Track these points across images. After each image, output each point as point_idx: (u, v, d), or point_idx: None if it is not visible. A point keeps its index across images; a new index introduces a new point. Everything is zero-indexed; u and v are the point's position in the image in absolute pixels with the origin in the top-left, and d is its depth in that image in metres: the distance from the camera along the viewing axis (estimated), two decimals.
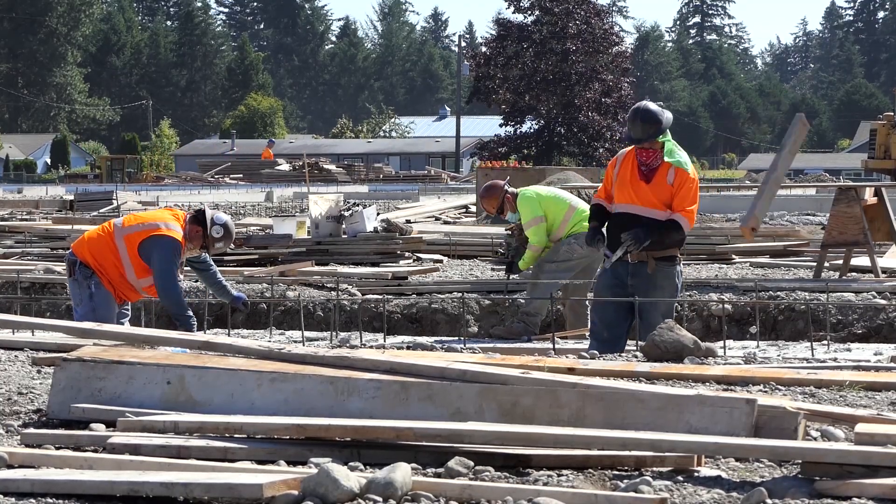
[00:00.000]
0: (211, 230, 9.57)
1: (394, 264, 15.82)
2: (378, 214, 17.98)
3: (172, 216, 9.48)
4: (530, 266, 11.72)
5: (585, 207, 11.45)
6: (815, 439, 5.31)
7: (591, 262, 11.45)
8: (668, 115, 9.27)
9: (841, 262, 14.37)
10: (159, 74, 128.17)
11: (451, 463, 4.84)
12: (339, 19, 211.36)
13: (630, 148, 9.37)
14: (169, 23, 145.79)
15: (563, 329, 11.44)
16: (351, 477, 4.44)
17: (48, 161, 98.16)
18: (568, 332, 11.19)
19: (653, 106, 9.29)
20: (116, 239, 9.32)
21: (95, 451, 5.27)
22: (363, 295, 13.53)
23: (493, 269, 15.79)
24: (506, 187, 11.72)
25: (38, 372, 7.31)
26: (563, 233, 11.41)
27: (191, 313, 9.39)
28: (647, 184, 9.19)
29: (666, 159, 9.19)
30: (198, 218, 9.59)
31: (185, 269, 10.05)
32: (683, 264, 14.87)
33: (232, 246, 11.41)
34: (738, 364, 7.41)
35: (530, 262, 11.62)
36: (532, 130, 76.43)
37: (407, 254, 16.51)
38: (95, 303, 9.25)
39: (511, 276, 12.11)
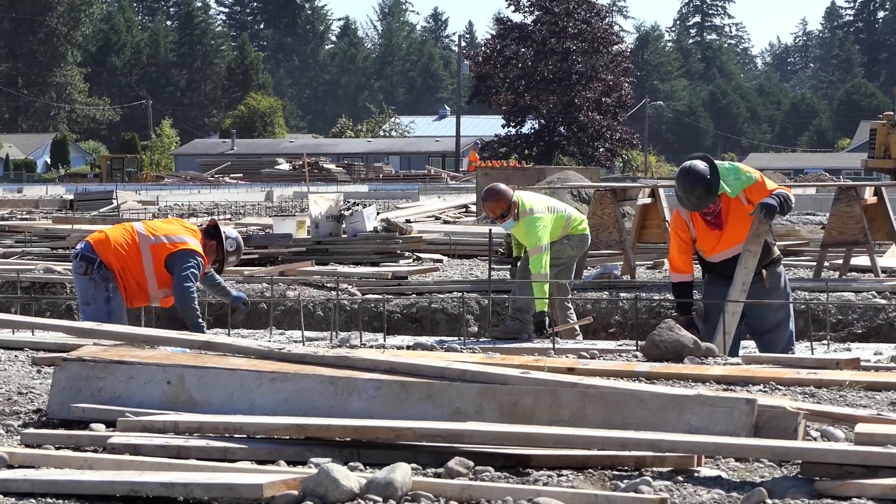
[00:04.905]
0: (225, 244, 9.66)
1: (394, 264, 15.81)
2: (378, 214, 17.99)
3: (190, 232, 9.52)
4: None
5: (580, 215, 11.59)
6: (815, 439, 5.31)
7: (572, 263, 11.59)
8: (721, 168, 8.67)
9: (841, 261, 14.37)
10: (159, 74, 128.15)
11: (451, 463, 4.83)
12: (339, 19, 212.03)
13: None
14: (169, 23, 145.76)
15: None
16: (351, 477, 4.44)
17: (48, 161, 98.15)
18: (560, 327, 11.19)
19: (700, 167, 8.59)
20: (142, 248, 9.33)
21: (95, 451, 5.26)
22: (363, 295, 13.52)
23: (493, 269, 15.76)
24: (513, 197, 11.69)
25: (38, 372, 7.31)
26: (558, 237, 11.47)
27: (203, 323, 9.47)
28: (720, 230, 8.80)
29: (724, 194, 8.66)
30: (211, 233, 9.71)
31: None
32: None
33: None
34: (738, 364, 7.40)
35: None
36: (532, 130, 76.45)
37: (407, 253, 16.51)
38: (111, 307, 9.29)
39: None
